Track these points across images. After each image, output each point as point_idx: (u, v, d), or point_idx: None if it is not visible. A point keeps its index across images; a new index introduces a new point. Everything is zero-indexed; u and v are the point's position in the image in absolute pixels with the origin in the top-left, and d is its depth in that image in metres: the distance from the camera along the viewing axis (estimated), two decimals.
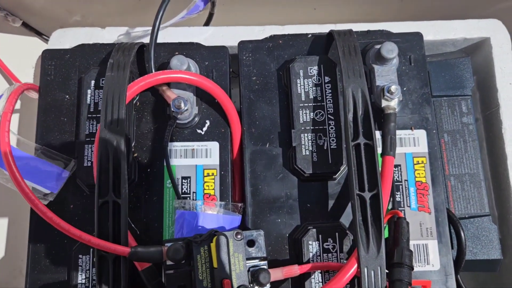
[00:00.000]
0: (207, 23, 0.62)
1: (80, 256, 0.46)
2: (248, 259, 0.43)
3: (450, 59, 0.57)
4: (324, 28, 0.56)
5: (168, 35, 0.58)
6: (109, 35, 0.59)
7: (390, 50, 0.48)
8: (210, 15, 0.61)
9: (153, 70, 0.49)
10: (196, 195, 0.48)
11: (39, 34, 0.71)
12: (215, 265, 0.40)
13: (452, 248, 0.50)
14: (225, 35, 0.58)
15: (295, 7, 0.68)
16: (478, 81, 0.62)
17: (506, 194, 0.55)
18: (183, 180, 0.49)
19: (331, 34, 0.51)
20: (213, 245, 0.41)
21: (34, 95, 0.52)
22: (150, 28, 0.51)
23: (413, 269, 0.41)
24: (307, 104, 0.49)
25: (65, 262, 0.47)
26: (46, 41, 0.70)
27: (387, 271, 0.41)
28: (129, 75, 0.48)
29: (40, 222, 0.47)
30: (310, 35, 0.53)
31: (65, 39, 0.59)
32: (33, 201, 0.41)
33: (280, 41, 0.52)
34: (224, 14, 0.63)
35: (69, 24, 0.72)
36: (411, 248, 0.47)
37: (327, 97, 0.49)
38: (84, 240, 0.40)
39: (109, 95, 0.44)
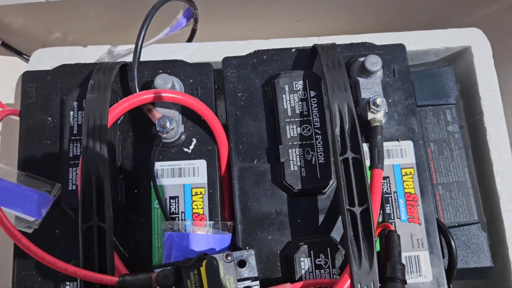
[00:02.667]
0: (190, 39, 0.61)
1: (68, 283, 0.45)
2: (239, 280, 0.42)
3: (433, 68, 0.58)
4: (308, 41, 0.56)
5: (151, 52, 0.57)
6: (91, 53, 0.58)
7: (374, 63, 0.48)
8: (193, 31, 0.61)
9: (137, 90, 0.48)
10: (184, 215, 0.48)
11: (19, 53, 0.70)
12: None
13: (444, 257, 0.50)
14: (208, 51, 0.58)
15: (278, 20, 0.68)
16: (461, 89, 0.62)
17: (494, 200, 0.56)
18: (171, 200, 0.48)
19: (315, 48, 0.51)
20: (202, 269, 0.40)
21: (16, 118, 0.51)
22: (133, 46, 0.50)
23: (406, 283, 0.41)
24: (293, 119, 0.49)
25: None
26: (27, 60, 0.69)
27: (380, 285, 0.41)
28: (112, 95, 0.47)
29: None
30: (294, 49, 0.53)
31: (45, 59, 0.58)
32: (16, 236, 0.40)
33: (264, 57, 0.52)
34: (208, 29, 0.63)
35: (50, 43, 0.71)
36: (403, 260, 0.47)
37: (313, 111, 0.49)
38: (70, 273, 0.39)
39: (91, 118, 0.43)
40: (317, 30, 0.69)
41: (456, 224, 0.54)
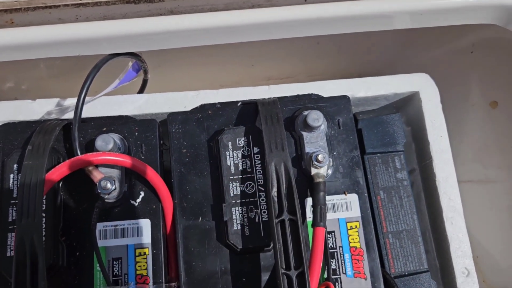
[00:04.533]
0: (141, 90, 0.61)
1: None
2: None
3: (381, 115, 0.58)
4: (258, 91, 0.56)
5: (100, 104, 0.57)
6: (40, 107, 0.58)
7: (315, 119, 0.49)
8: (145, 82, 0.61)
9: (78, 152, 0.48)
10: (128, 277, 0.47)
11: None
12: None
13: None
14: (158, 102, 0.58)
15: (233, 65, 0.69)
16: (413, 132, 0.63)
17: (444, 246, 0.56)
18: (114, 262, 0.47)
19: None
20: None
21: None
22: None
23: None
24: (237, 177, 0.49)
25: None
26: None
27: None
28: (52, 158, 0.47)
29: None
30: (239, 103, 0.53)
31: None
32: None
33: (210, 112, 0.52)
34: (159, 79, 0.63)
35: (2, 92, 0.70)
36: None
37: (256, 168, 0.49)
38: None
39: (26, 186, 0.43)
40: (272, 73, 0.70)
41: (406, 273, 0.54)
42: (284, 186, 0.45)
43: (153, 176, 0.48)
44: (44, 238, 0.45)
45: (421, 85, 0.60)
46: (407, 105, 0.62)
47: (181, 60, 0.69)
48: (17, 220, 0.42)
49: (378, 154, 0.57)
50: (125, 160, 0.47)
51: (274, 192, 0.44)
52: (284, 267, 0.42)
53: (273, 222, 0.43)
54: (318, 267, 0.44)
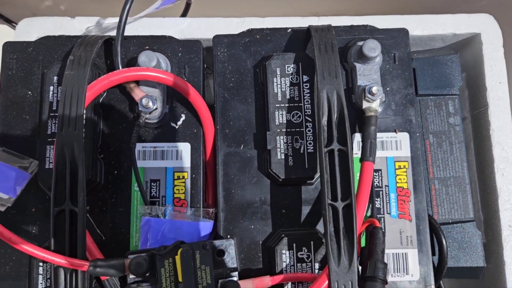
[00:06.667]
0: (184, 14, 0.58)
1: (41, 264, 0.44)
2: (217, 270, 0.40)
3: (438, 56, 0.54)
4: (307, 22, 0.53)
5: (141, 26, 0.55)
6: (79, 25, 0.56)
7: (372, 48, 0.45)
8: (187, 6, 0.58)
9: (120, 67, 0.46)
10: (165, 199, 0.46)
11: (8, 21, 0.68)
12: (180, 279, 0.38)
13: (434, 255, 0.48)
14: (201, 27, 0.55)
15: None
16: (467, 78, 0.59)
17: (492, 198, 0.53)
18: (152, 184, 0.46)
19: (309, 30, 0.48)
20: (178, 257, 0.38)
21: None
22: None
23: (386, 283, 0.39)
24: (283, 105, 0.46)
25: (25, 270, 0.44)
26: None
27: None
28: (94, 71, 0.45)
29: None
30: (289, 30, 0.50)
31: (32, 28, 0.55)
32: None
33: (258, 36, 0.49)
34: (202, 4, 0.59)
35: (41, 11, 0.69)
36: (390, 257, 0.45)
37: (304, 97, 0.46)
38: (39, 256, 0.38)
39: (67, 96, 0.41)
40: (319, 10, 0.65)
41: (450, 221, 0.51)
42: (335, 115, 0.42)
43: (196, 98, 0.46)
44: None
45: (484, 26, 0.56)
46: (465, 48, 0.58)
47: None
48: (58, 129, 0.41)
49: (431, 97, 0.54)
50: (169, 77, 0.45)
51: (324, 120, 0.42)
52: (330, 197, 0.40)
53: (322, 152, 0.41)
54: (364, 202, 0.42)
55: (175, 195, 0.46)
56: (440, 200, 0.52)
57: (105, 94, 0.48)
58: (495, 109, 0.54)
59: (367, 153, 0.43)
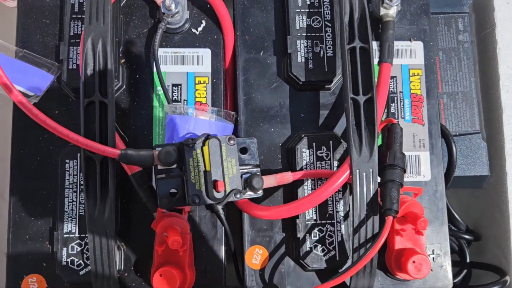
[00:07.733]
0: None
1: (67, 161, 0.45)
2: (241, 165, 0.42)
3: None
4: None
5: None
6: None
7: None
8: None
9: None
10: (187, 102, 0.47)
11: None
12: (207, 168, 0.39)
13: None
14: None
15: None
16: (474, 2, 0.60)
17: (496, 114, 0.55)
18: (174, 87, 0.47)
19: None
20: (205, 148, 0.40)
21: None
22: None
23: (405, 171, 0.41)
24: (303, 10, 0.47)
25: (51, 169, 0.45)
26: None
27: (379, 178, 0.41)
28: None
29: (24, 128, 0.46)
30: None
31: None
32: (16, 97, 0.39)
33: None
34: None
35: None
36: None
37: (324, 2, 0.47)
38: (71, 140, 0.38)
39: None
40: None
41: (457, 133, 0.54)
42: (357, 14, 0.43)
43: (219, 4, 0.47)
44: None
45: None
46: None
47: None
48: (86, 22, 0.41)
49: (441, 15, 0.55)
50: None
51: (346, 19, 0.43)
52: (352, 91, 0.42)
53: (344, 49, 0.42)
54: (384, 98, 0.43)
55: (197, 99, 0.47)
56: (448, 113, 0.54)
57: (125, 0, 0.48)
58: (502, 29, 0.56)
59: (386, 55, 0.45)
